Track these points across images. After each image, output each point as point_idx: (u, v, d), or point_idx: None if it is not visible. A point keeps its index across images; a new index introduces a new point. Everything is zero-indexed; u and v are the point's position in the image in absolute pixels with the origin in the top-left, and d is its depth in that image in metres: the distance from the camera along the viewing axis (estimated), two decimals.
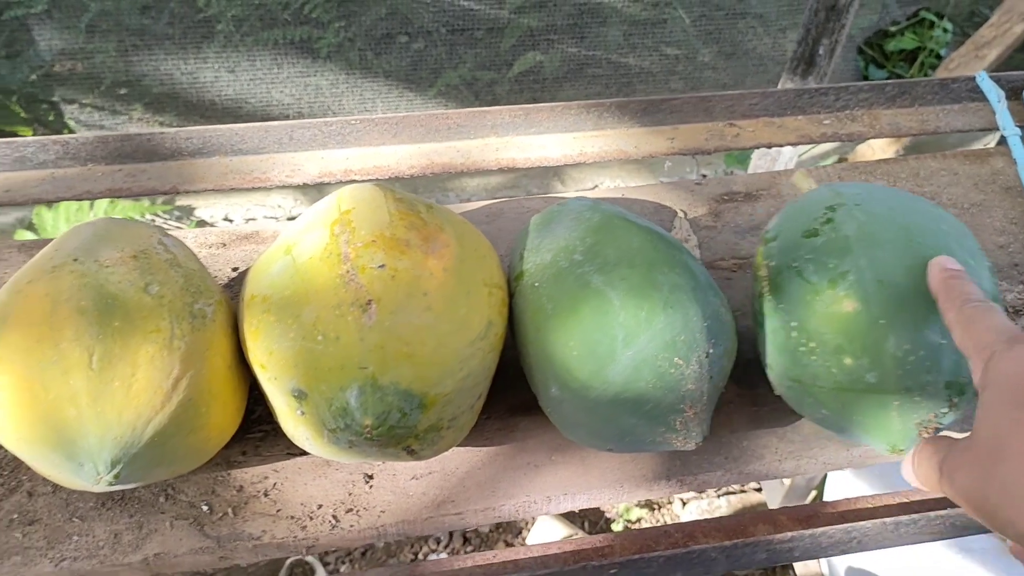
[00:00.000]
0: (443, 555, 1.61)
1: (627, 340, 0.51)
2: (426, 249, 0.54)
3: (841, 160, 2.11)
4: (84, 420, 0.47)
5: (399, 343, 0.50)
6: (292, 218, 1.97)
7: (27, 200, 0.70)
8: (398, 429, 0.51)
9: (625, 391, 0.51)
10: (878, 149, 1.99)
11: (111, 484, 0.49)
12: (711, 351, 0.52)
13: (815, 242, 0.56)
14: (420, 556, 1.61)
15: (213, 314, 0.55)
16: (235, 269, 0.70)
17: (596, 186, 2.09)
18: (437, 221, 0.57)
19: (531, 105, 0.77)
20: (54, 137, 0.71)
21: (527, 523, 1.63)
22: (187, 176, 0.73)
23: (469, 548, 1.62)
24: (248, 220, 1.95)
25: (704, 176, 2.14)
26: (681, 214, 0.76)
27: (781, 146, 0.80)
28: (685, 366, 0.51)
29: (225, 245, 0.72)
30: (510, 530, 1.64)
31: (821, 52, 1.32)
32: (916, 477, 0.47)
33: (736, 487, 1.71)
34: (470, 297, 0.54)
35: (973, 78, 0.84)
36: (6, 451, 0.59)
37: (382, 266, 0.51)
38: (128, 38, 1.70)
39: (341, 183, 0.74)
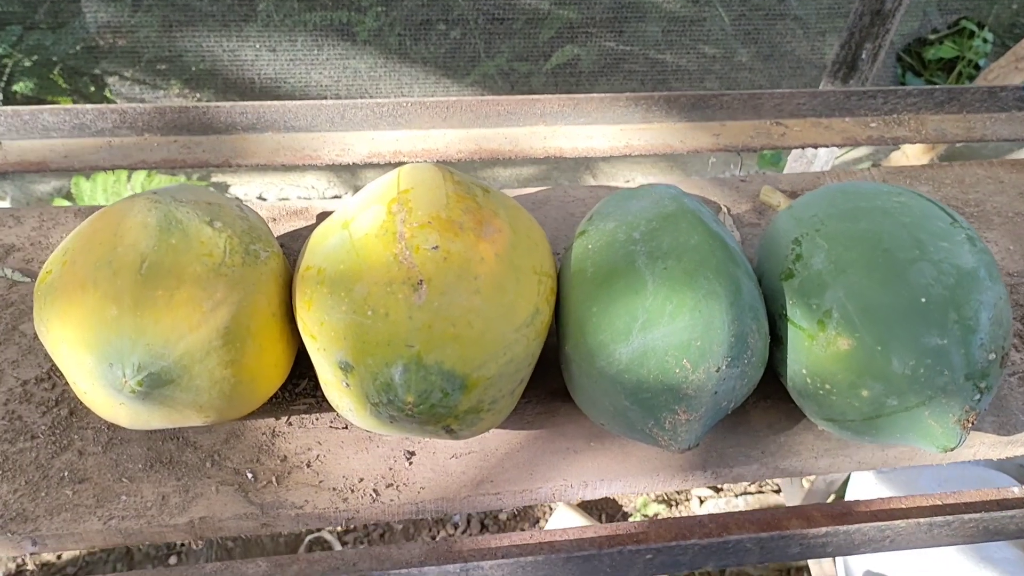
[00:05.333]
0: None
1: (645, 325, 0.52)
2: (479, 233, 0.54)
3: (875, 165, 2.10)
4: (122, 321, 0.49)
5: (446, 324, 0.51)
6: (325, 199, 1.99)
7: (84, 167, 0.72)
8: (439, 408, 0.52)
9: (627, 372, 0.52)
10: (912, 157, 1.98)
11: (134, 392, 0.50)
12: (723, 367, 0.52)
13: (793, 284, 0.57)
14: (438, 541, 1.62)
15: (267, 259, 0.57)
16: (282, 246, 0.71)
17: (628, 181, 2.09)
18: (492, 206, 0.57)
19: (580, 95, 0.78)
20: (112, 106, 0.73)
21: (545, 513, 1.64)
22: (240, 150, 0.74)
23: (485, 535, 1.63)
24: (281, 199, 1.96)
25: (735, 176, 2.14)
26: (725, 209, 0.76)
27: (827, 147, 0.80)
28: (691, 371, 0.52)
29: (275, 220, 0.73)
30: (528, 518, 1.65)
31: (864, 57, 1.31)
32: None
33: (755, 487, 1.71)
34: (519, 284, 0.54)
35: (1022, 87, 0.84)
36: (58, 410, 0.61)
37: (435, 247, 0.52)
38: (172, 14, 1.72)
39: (390, 164, 0.75)
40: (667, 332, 0.52)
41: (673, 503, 1.69)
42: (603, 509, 1.67)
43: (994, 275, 0.54)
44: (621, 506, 1.68)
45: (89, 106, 0.72)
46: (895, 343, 0.52)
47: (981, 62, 2.22)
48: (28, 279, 0.69)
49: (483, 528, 1.65)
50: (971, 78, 2.23)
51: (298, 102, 0.75)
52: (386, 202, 0.56)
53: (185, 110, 0.73)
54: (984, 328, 0.52)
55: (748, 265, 0.58)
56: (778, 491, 1.69)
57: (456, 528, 1.65)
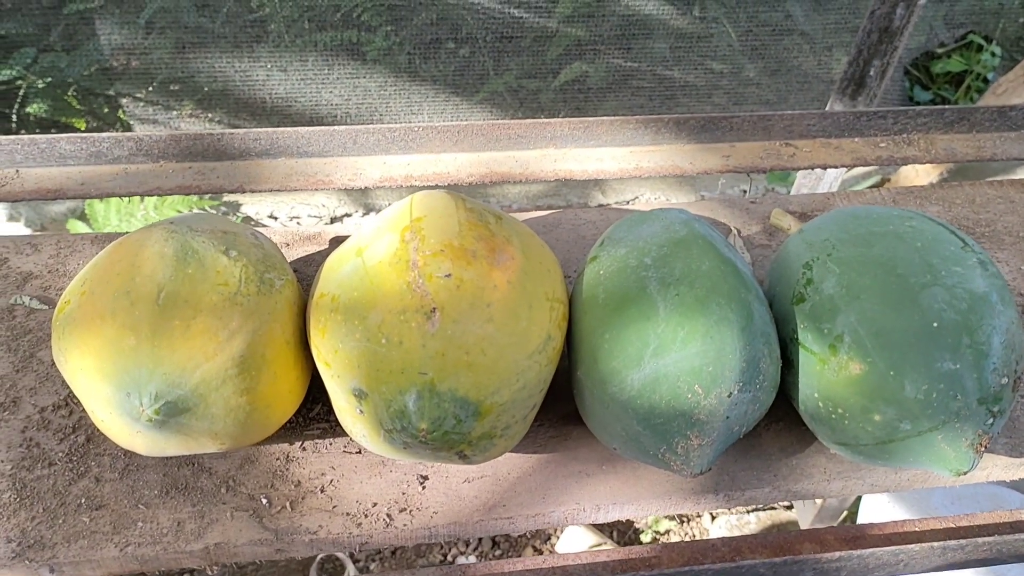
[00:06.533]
0: (472, 558, 1.62)
1: (657, 351, 0.53)
2: (492, 261, 0.55)
3: (884, 181, 2.10)
4: (140, 351, 0.50)
5: (459, 351, 0.51)
6: (336, 219, 2.00)
7: (100, 193, 0.73)
8: (452, 435, 0.52)
9: (639, 397, 0.53)
10: (922, 172, 1.98)
11: (151, 421, 0.50)
12: (735, 392, 0.53)
13: (804, 308, 0.57)
14: (449, 558, 1.62)
15: (282, 287, 0.58)
16: (295, 271, 0.72)
17: (636, 197, 2.09)
18: (505, 233, 0.58)
19: (590, 118, 0.78)
20: (128, 134, 0.73)
21: (556, 529, 1.64)
22: (254, 176, 0.75)
23: (497, 552, 1.63)
24: (292, 218, 1.97)
25: (744, 192, 2.14)
26: (735, 231, 0.76)
27: (836, 167, 0.81)
28: (703, 396, 0.52)
29: (288, 245, 0.74)
30: (539, 536, 1.65)
31: (872, 74, 1.32)
32: None
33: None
34: (532, 310, 0.55)
35: None
36: (76, 437, 0.61)
37: (448, 275, 0.53)
38: (185, 35, 1.73)
39: (402, 188, 0.75)
40: (679, 358, 0.52)
41: (685, 519, 1.69)
42: (615, 526, 1.67)
43: (1006, 299, 0.55)
44: (632, 522, 1.68)
45: (105, 134, 0.73)
46: (908, 368, 0.52)
47: (990, 76, 2.22)
48: (45, 307, 0.69)
49: (495, 545, 1.65)
50: (980, 91, 2.23)
51: (311, 128, 0.76)
52: (399, 230, 0.56)
53: (200, 137, 0.74)
54: (997, 352, 0.52)
55: (759, 290, 0.58)
56: (790, 507, 1.69)
57: (468, 544, 1.65)
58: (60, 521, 0.57)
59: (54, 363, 0.65)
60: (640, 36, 1.96)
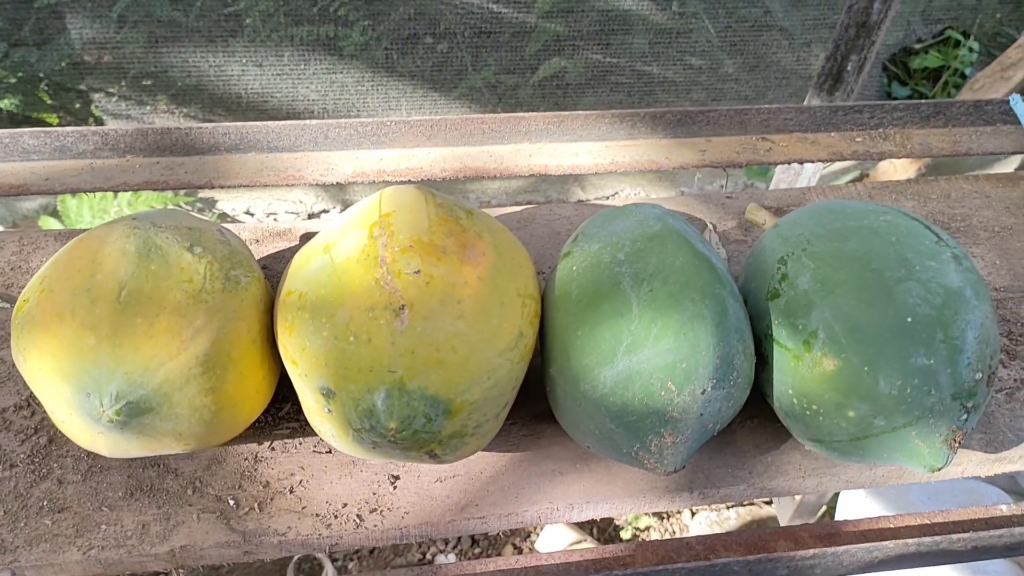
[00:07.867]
0: (451, 556, 1.61)
1: (630, 348, 0.52)
2: (462, 257, 0.54)
3: (863, 176, 2.11)
4: (100, 350, 0.49)
5: (429, 349, 0.50)
6: (313, 215, 1.98)
7: (65, 189, 0.71)
8: (422, 434, 0.51)
9: (612, 395, 0.52)
10: (899, 168, 1.99)
11: (112, 421, 0.49)
12: (708, 389, 0.52)
13: (779, 304, 0.57)
14: (428, 556, 1.61)
15: (247, 285, 0.56)
16: (264, 267, 0.71)
17: (616, 193, 2.09)
18: (476, 228, 0.57)
19: (565, 113, 0.78)
20: (94, 128, 0.72)
21: (536, 527, 1.63)
22: (223, 171, 0.74)
23: (477, 550, 1.63)
24: (269, 215, 1.95)
25: (722, 187, 2.14)
26: (711, 227, 0.76)
27: (813, 162, 0.80)
28: (676, 393, 0.51)
29: (258, 241, 0.72)
30: (519, 533, 1.64)
31: (849, 68, 1.32)
32: None
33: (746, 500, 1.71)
34: (503, 307, 0.54)
35: (1007, 100, 0.84)
36: (37, 438, 0.60)
37: (417, 272, 0.52)
38: (158, 29, 1.71)
39: (374, 183, 0.74)
40: (652, 355, 0.51)
41: (664, 516, 1.69)
42: (595, 523, 1.67)
43: (980, 294, 0.54)
44: (613, 519, 1.68)
45: (70, 128, 0.72)
46: (882, 363, 0.51)
47: (967, 71, 2.23)
48: (7, 305, 0.68)
49: (474, 543, 1.64)
50: (957, 87, 2.23)
51: (281, 122, 0.74)
52: (367, 226, 0.55)
53: (167, 131, 0.73)
54: (971, 348, 0.52)
55: (734, 285, 0.58)
56: (769, 503, 1.69)
57: (447, 543, 1.64)
58: (22, 524, 0.56)
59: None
60: (619, 32, 1.95)
